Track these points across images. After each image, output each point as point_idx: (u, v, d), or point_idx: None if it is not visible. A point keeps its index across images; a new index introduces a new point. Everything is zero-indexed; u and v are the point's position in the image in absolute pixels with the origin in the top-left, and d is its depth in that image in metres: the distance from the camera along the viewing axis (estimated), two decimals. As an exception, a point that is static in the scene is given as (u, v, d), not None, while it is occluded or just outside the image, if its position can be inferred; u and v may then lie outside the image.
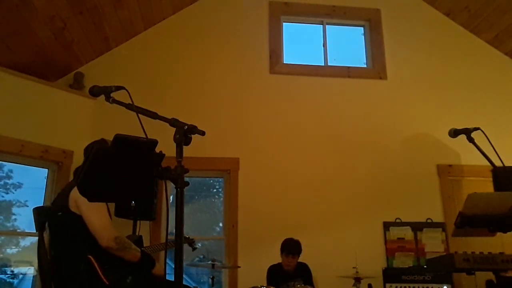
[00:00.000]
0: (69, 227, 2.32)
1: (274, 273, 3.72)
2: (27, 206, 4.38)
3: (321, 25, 5.36)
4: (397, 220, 4.52)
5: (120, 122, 3.27)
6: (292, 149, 4.67)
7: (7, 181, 4.38)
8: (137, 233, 3.78)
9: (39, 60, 4.37)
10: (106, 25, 4.52)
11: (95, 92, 1.89)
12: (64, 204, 2.32)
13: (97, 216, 2.26)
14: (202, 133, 1.64)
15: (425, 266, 4.23)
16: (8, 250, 4.33)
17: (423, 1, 5.40)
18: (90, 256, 2.19)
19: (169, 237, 1.77)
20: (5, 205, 4.38)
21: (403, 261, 4.37)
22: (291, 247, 3.67)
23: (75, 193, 2.30)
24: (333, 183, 4.59)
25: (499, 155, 2.49)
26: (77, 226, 2.27)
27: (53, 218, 2.39)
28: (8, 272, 4.16)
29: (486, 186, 3.44)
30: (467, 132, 2.64)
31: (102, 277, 2.16)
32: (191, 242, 3.59)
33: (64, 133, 4.31)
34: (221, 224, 4.87)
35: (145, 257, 2.36)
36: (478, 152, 2.55)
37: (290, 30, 5.31)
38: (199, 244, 3.70)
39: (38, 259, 2.40)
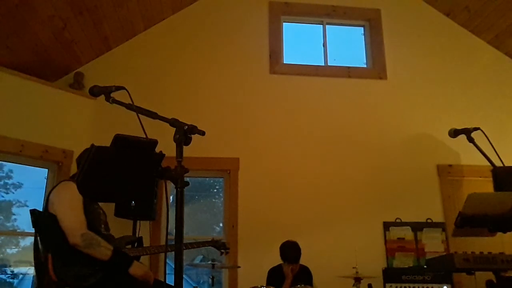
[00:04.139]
0: (45, 227, 2.42)
1: (275, 275, 3.70)
2: (27, 206, 4.38)
3: (321, 25, 5.36)
4: (397, 220, 4.52)
5: (120, 122, 3.27)
6: (292, 149, 4.67)
7: (7, 181, 4.38)
8: (137, 234, 3.77)
9: (39, 60, 4.36)
10: (106, 25, 4.52)
11: (95, 92, 1.89)
12: (45, 206, 2.44)
13: (68, 214, 2.34)
14: (202, 133, 1.64)
15: (425, 266, 4.23)
16: (8, 250, 4.33)
17: (423, 1, 5.39)
18: (49, 255, 2.27)
19: (169, 237, 1.77)
20: (5, 205, 4.38)
21: (403, 261, 4.37)
22: (291, 256, 3.60)
23: (52, 194, 2.44)
24: (333, 183, 4.59)
25: (499, 155, 2.49)
26: (50, 225, 2.35)
27: (39, 220, 2.48)
28: (8, 272, 4.16)
29: (486, 186, 3.45)
30: (467, 132, 2.64)
31: (52, 274, 2.23)
32: (219, 246, 3.49)
33: (64, 133, 4.31)
34: (221, 224, 4.87)
35: (118, 255, 2.35)
36: (478, 152, 2.54)
37: (290, 30, 5.31)
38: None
39: (33, 258, 2.49)
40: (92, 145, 2.49)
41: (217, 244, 3.48)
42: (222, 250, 3.52)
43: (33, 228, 2.50)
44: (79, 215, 2.37)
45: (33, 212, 2.53)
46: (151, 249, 2.98)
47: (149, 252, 2.90)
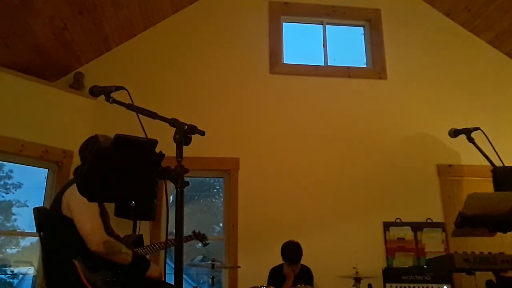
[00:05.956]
0: (59, 230, 2.33)
1: (276, 275, 3.71)
2: (27, 206, 4.38)
3: (321, 25, 5.36)
4: (397, 220, 4.52)
5: (120, 122, 3.26)
6: (292, 149, 4.67)
7: (7, 181, 4.38)
8: (137, 233, 3.78)
9: (39, 60, 4.36)
10: (106, 25, 4.52)
11: (95, 92, 1.89)
12: (57, 206, 2.33)
13: (87, 220, 2.27)
14: (202, 133, 1.64)
15: (425, 266, 4.23)
16: (8, 250, 4.33)
17: (423, 1, 5.39)
18: (75, 261, 2.21)
19: (169, 237, 1.77)
20: (5, 205, 4.38)
21: (403, 261, 4.37)
22: (292, 257, 3.61)
23: (67, 195, 2.32)
24: (333, 183, 4.59)
25: (499, 155, 2.49)
26: (67, 229, 2.27)
27: (47, 220, 2.40)
28: (8, 272, 4.16)
29: (486, 186, 3.44)
30: (467, 132, 2.64)
31: (84, 281, 2.17)
32: (201, 238, 3.77)
33: (64, 133, 4.31)
34: (221, 224, 4.87)
35: (137, 259, 2.36)
36: (478, 152, 2.55)
37: (290, 30, 5.31)
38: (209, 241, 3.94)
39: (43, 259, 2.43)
40: (86, 144, 2.47)
41: (199, 236, 3.76)
42: (205, 242, 3.84)
43: (38, 228, 2.41)
44: (98, 220, 2.32)
45: (40, 211, 2.45)
46: (152, 247, 2.99)
47: (151, 250, 2.90)
